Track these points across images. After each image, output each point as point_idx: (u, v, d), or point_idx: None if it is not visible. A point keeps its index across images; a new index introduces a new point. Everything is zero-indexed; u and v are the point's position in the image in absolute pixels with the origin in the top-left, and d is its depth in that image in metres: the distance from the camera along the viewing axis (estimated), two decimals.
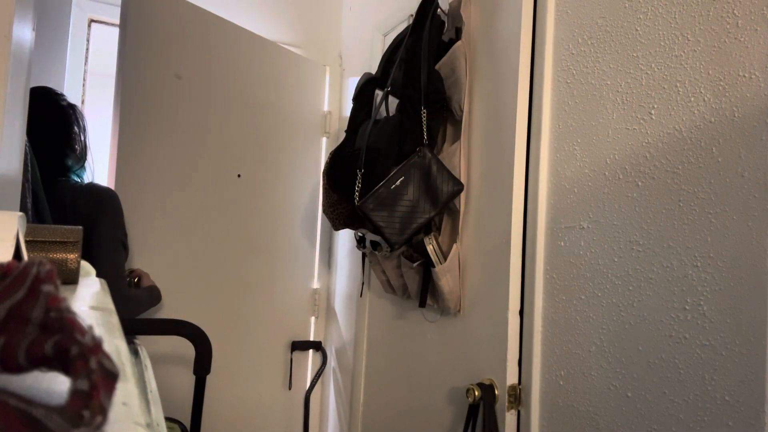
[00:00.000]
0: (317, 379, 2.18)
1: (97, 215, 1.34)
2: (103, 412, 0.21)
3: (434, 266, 1.30)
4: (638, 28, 0.98)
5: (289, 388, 2.13)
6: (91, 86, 2.09)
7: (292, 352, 2.14)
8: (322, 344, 2.21)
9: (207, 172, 1.93)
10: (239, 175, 2.01)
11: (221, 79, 1.91)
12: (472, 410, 1.19)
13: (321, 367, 2.19)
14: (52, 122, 1.35)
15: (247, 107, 2.00)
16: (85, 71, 2.00)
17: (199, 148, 1.90)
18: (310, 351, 2.22)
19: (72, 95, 1.76)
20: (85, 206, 1.33)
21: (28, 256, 0.53)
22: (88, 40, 1.99)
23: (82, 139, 1.40)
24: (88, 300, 0.54)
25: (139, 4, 1.67)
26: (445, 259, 1.31)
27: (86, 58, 2.00)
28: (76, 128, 1.39)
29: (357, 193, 1.33)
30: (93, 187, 1.39)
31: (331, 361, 2.17)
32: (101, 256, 1.32)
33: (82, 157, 1.41)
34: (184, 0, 1.81)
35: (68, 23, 1.75)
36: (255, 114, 2.04)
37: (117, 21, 1.80)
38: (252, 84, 2.02)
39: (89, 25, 1.99)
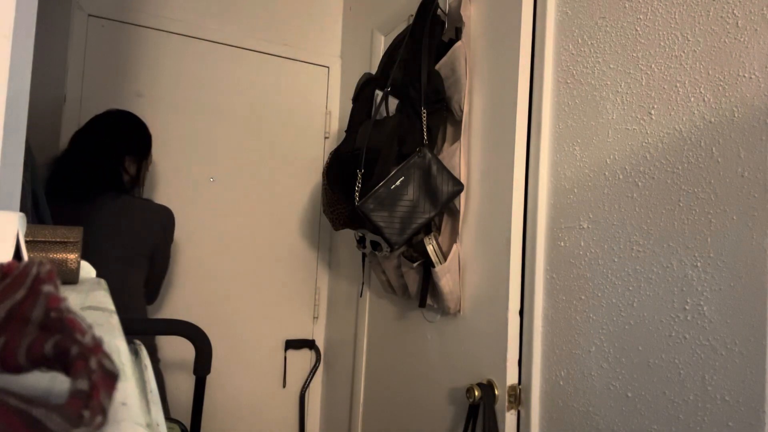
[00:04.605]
0: (311, 378, 2.18)
1: (166, 232, 1.65)
2: (103, 412, 0.21)
3: (434, 266, 1.30)
4: (638, 28, 0.98)
5: (284, 387, 2.13)
6: None
7: (285, 351, 2.14)
8: (316, 342, 2.21)
9: (212, 173, 1.98)
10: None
11: (224, 93, 2.03)
12: (472, 410, 1.19)
13: (315, 365, 2.19)
14: (137, 143, 1.63)
15: (251, 115, 2.07)
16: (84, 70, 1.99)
17: (205, 153, 1.97)
18: (306, 349, 2.22)
19: (72, 94, 1.76)
20: (158, 222, 1.62)
21: (28, 256, 0.53)
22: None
23: (142, 164, 1.65)
24: (89, 300, 0.54)
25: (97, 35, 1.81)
26: (445, 259, 1.31)
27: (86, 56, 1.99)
28: (138, 154, 1.63)
29: (357, 193, 1.33)
30: (161, 206, 1.65)
31: (331, 361, 2.17)
32: (166, 257, 1.69)
33: (135, 177, 1.63)
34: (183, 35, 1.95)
35: (68, 21, 1.75)
36: (258, 120, 2.09)
37: (119, 18, 1.83)
38: (253, 94, 2.07)
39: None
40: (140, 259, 1.57)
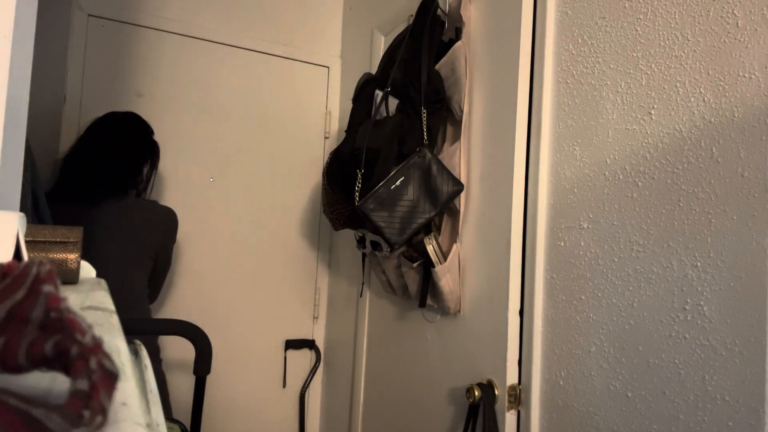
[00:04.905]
0: (311, 378, 2.19)
1: (169, 233, 1.66)
2: (103, 412, 0.21)
3: (434, 266, 1.30)
4: (638, 28, 0.98)
5: (284, 387, 2.14)
6: None
7: (285, 351, 2.14)
8: (316, 342, 2.21)
9: (212, 173, 1.99)
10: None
11: (223, 93, 2.03)
12: (472, 410, 1.19)
13: (315, 365, 2.19)
14: (139, 147, 1.62)
15: (251, 115, 2.08)
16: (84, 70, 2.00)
17: (205, 153, 1.98)
18: (306, 349, 2.22)
19: (72, 94, 1.76)
20: (162, 223, 1.63)
21: (28, 256, 0.53)
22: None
23: (152, 170, 1.68)
24: (89, 300, 0.54)
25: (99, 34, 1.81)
26: (445, 259, 1.31)
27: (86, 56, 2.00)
28: (151, 160, 1.66)
29: (357, 193, 1.33)
30: (165, 208, 1.65)
31: (331, 361, 2.17)
32: (169, 257, 1.70)
33: (145, 182, 1.65)
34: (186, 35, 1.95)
35: (68, 22, 1.75)
36: (258, 119, 2.09)
37: (119, 18, 1.83)
38: (253, 93, 2.07)
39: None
40: (144, 260, 1.58)
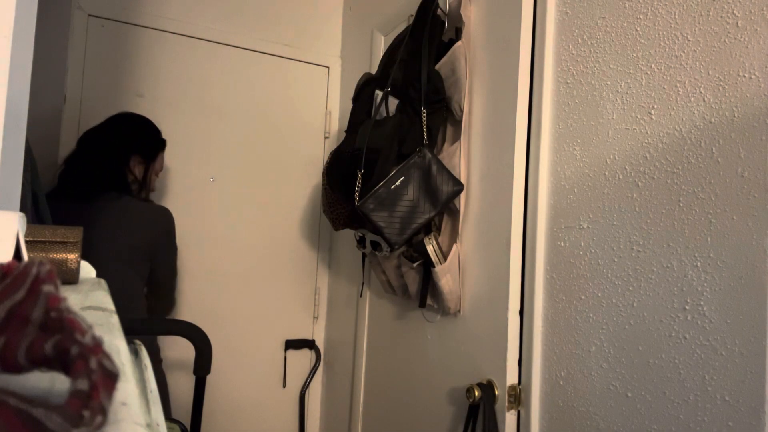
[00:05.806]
0: (311, 378, 2.19)
1: (164, 233, 1.64)
2: (103, 412, 0.21)
3: (434, 266, 1.30)
4: (638, 28, 0.98)
5: (284, 387, 2.14)
6: None
7: (285, 351, 2.14)
8: (316, 342, 2.21)
9: (212, 173, 1.99)
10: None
11: (223, 93, 2.03)
12: (472, 410, 1.19)
13: (315, 365, 2.19)
14: (144, 145, 1.63)
15: (251, 115, 2.08)
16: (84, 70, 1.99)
17: (205, 153, 1.98)
18: (306, 349, 2.22)
19: (72, 94, 1.77)
20: (156, 223, 1.62)
21: (28, 256, 0.53)
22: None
23: (148, 170, 1.66)
24: (89, 300, 0.54)
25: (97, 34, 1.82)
26: (445, 259, 1.31)
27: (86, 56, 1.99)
28: (147, 159, 1.65)
29: (357, 194, 1.33)
30: (160, 207, 1.65)
31: (331, 361, 2.17)
32: (169, 263, 1.69)
33: (140, 182, 1.64)
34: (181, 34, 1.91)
35: (68, 22, 1.75)
36: (258, 119, 2.09)
37: (119, 18, 1.83)
38: (253, 94, 2.08)
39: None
40: (139, 261, 1.57)
